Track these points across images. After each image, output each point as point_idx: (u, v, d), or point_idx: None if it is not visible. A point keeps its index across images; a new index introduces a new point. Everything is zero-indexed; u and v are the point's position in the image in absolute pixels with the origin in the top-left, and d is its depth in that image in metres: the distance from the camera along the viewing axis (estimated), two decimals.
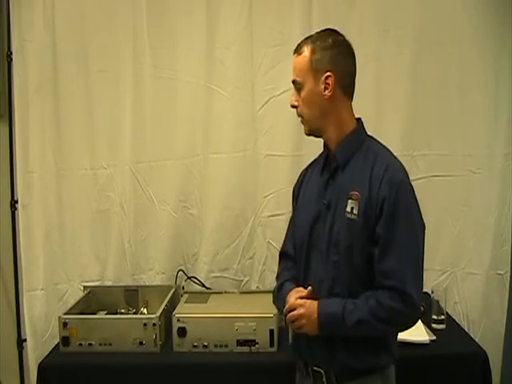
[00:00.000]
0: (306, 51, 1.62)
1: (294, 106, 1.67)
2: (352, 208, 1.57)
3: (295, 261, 1.76)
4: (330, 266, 1.61)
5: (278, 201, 2.61)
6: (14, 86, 2.56)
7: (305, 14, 2.52)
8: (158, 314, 2.12)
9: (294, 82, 1.65)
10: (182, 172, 2.63)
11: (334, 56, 1.60)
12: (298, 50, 1.65)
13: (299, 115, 1.68)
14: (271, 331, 2.08)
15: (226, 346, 2.09)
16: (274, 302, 1.82)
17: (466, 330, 2.38)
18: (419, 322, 2.21)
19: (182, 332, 2.10)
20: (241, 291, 2.48)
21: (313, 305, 1.60)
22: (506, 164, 2.54)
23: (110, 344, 2.11)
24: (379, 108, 2.55)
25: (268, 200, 2.62)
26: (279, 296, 1.74)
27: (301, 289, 1.67)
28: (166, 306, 2.21)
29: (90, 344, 2.11)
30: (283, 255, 1.83)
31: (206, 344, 2.10)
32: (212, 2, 2.54)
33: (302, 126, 2.50)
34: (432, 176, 2.59)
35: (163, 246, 2.65)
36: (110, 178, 2.64)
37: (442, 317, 2.25)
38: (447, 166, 2.58)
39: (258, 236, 2.64)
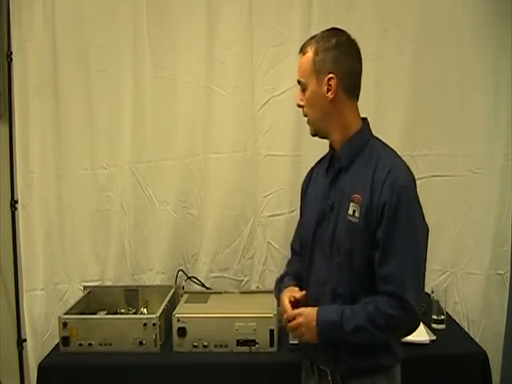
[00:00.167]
0: (310, 52, 1.60)
1: (299, 106, 1.65)
2: (354, 211, 1.56)
3: (301, 256, 1.77)
4: (333, 267, 1.61)
5: (278, 201, 2.61)
6: (14, 86, 2.56)
7: (305, 14, 2.52)
8: (158, 314, 2.12)
9: (298, 81, 1.64)
10: (182, 172, 2.63)
11: (336, 57, 1.57)
12: (302, 50, 1.63)
13: (304, 115, 1.66)
14: (271, 331, 2.07)
15: (226, 345, 2.09)
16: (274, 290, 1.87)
17: (466, 330, 2.38)
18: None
19: (182, 332, 2.10)
20: (241, 291, 2.48)
21: (311, 313, 1.60)
22: (506, 164, 2.54)
23: (110, 344, 2.11)
24: (379, 108, 2.55)
25: (268, 200, 2.62)
26: (278, 287, 1.80)
27: (295, 289, 1.70)
28: (165, 305, 2.21)
29: (90, 344, 2.11)
30: (292, 249, 1.88)
31: (205, 344, 2.10)
32: (212, 2, 2.54)
33: (302, 126, 2.51)
34: (432, 176, 2.59)
35: (163, 246, 2.65)
36: (110, 178, 2.64)
37: (442, 317, 2.25)
38: (447, 165, 2.59)
39: (258, 236, 2.64)
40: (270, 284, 2.61)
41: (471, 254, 2.59)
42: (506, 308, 2.56)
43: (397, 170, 1.55)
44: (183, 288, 2.52)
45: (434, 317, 2.24)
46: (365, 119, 1.66)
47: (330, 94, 1.57)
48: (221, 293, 2.41)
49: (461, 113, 2.56)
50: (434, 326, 2.23)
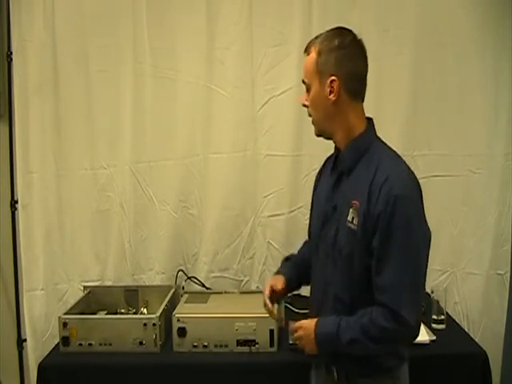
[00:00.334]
0: (313, 52, 1.57)
1: (304, 105, 1.64)
2: (353, 218, 1.54)
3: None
4: (336, 269, 1.60)
5: (278, 201, 2.61)
6: (14, 86, 2.56)
7: (305, 14, 2.52)
8: (158, 314, 2.11)
9: (303, 81, 1.62)
10: (182, 172, 2.63)
11: (339, 59, 1.53)
12: (306, 50, 1.60)
13: (309, 115, 1.64)
14: (271, 331, 2.07)
15: (226, 345, 2.09)
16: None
17: (466, 330, 2.38)
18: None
19: (182, 332, 2.10)
20: (241, 291, 2.47)
21: (310, 325, 1.60)
22: (506, 164, 2.54)
23: (110, 344, 2.10)
24: (379, 108, 2.54)
25: (268, 200, 2.62)
26: (280, 266, 1.92)
27: (281, 279, 1.80)
28: (166, 305, 2.21)
29: (90, 344, 2.11)
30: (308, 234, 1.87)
31: (205, 344, 2.10)
32: (212, 2, 2.54)
33: (302, 126, 2.53)
34: (432, 176, 2.59)
35: (163, 246, 2.65)
36: (110, 178, 2.64)
37: (442, 317, 2.25)
38: (447, 165, 2.59)
39: (258, 236, 2.64)
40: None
41: (471, 254, 2.59)
42: (505, 308, 2.56)
43: (394, 178, 1.49)
44: (183, 288, 2.52)
45: (434, 317, 2.24)
46: (370, 120, 1.63)
47: (332, 96, 1.54)
48: (221, 293, 2.41)
49: (461, 113, 2.56)
50: (433, 325, 2.23)
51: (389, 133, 2.57)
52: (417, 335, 1.56)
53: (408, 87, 2.56)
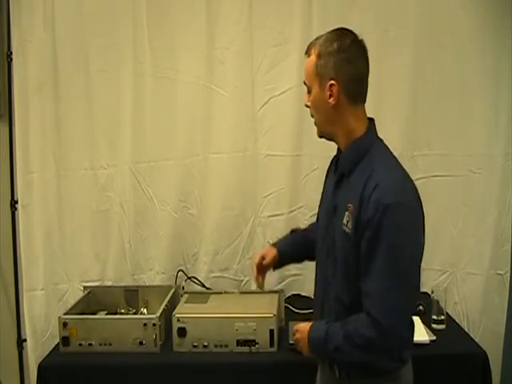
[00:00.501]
0: (313, 55, 1.56)
1: (307, 106, 1.63)
2: (347, 221, 1.53)
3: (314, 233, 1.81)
4: (336, 270, 1.59)
5: (278, 201, 2.61)
6: (14, 86, 2.56)
7: (305, 14, 2.52)
8: (158, 314, 2.11)
9: (304, 83, 1.62)
10: (182, 172, 2.63)
11: (338, 63, 1.52)
12: (307, 51, 1.60)
13: (311, 116, 1.64)
14: (271, 331, 2.07)
15: (226, 345, 2.09)
16: None
17: (466, 330, 2.38)
18: (419, 321, 2.22)
19: (182, 332, 2.10)
20: (241, 291, 2.47)
21: (305, 328, 1.61)
22: (506, 164, 2.54)
23: (110, 344, 2.10)
24: (379, 108, 2.54)
25: (268, 200, 2.62)
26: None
27: (273, 251, 1.90)
28: (166, 306, 2.21)
29: (90, 344, 2.11)
30: None
31: (205, 344, 2.10)
32: (212, 2, 2.54)
33: (302, 126, 2.53)
34: (432, 176, 2.59)
35: (163, 246, 2.65)
36: (110, 178, 2.64)
37: (442, 317, 2.25)
38: (447, 165, 2.58)
39: (258, 236, 2.64)
40: (270, 284, 2.62)
41: (471, 254, 2.59)
42: (506, 308, 2.56)
43: (384, 186, 1.46)
44: (183, 288, 2.51)
45: (434, 317, 2.24)
46: (371, 120, 1.62)
47: (331, 100, 1.53)
48: (221, 293, 2.41)
49: (461, 113, 2.56)
50: (433, 326, 2.23)
51: (389, 133, 2.57)
52: (405, 346, 1.54)
53: (408, 87, 2.55)
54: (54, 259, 2.64)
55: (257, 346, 2.08)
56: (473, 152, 2.57)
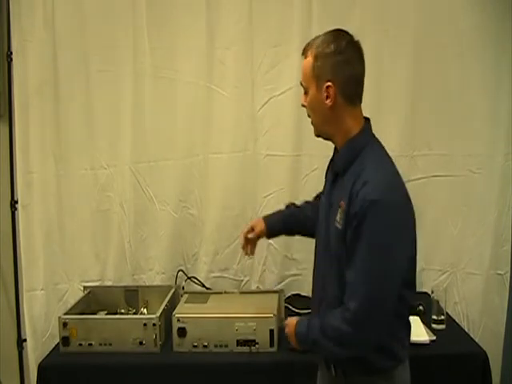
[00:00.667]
0: (310, 56, 1.57)
1: (304, 106, 1.64)
2: (340, 218, 1.54)
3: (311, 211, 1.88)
4: (332, 266, 1.60)
5: (278, 201, 2.60)
6: (14, 86, 2.56)
7: (305, 14, 2.52)
8: (158, 314, 2.11)
9: (301, 83, 1.63)
10: (181, 172, 2.63)
11: (335, 64, 1.53)
12: (304, 53, 1.60)
13: (308, 115, 1.65)
14: (271, 331, 2.07)
15: (226, 346, 2.09)
16: None
17: (466, 330, 2.38)
18: (419, 322, 2.22)
19: (182, 332, 2.10)
20: (241, 291, 2.47)
21: (292, 323, 1.66)
22: (506, 164, 2.54)
23: (110, 344, 2.11)
24: (379, 108, 2.55)
25: (268, 200, 2.62)
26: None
27: (261, 225, 1.96)
28: (166, 306, 2.21)
29: (90, 344, 2.11)
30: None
31: (205, 344, 2.10)
32: (212, 2, 2.54)
33: (302, 126, 2.53)
34: (432, 176, 2.59)
35: (163, 246, 2.65)
36: (110, 178, 2.64)
37: (442, 317, 2.25)
38: (447, 165, 2.59)
39: None
40: (270, 284, 2.62)
41: (471, 254, 2.59)
42: (506, 308, 2.56)
43: (372, 183, 1.48)
44: (183, 288, 2.51)
45: (434, 317, 2.24)
46: (367, 120, 1.63)
47: (328, 101, 1.55)
48: (221, 293, 2.41)
49: (461, 113, 2.56)
50: (433, 326, 2.23)
51: (389, 133, 2.60)
52: (368, 345, 1.52)
53: (408, 87, 2.55)
54: (54, 259, 2.64)
55: (257, 345, 2.08)
56: (473, 152, 2.57)
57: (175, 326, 2.10)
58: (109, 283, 2.64)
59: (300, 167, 2.60)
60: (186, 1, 2.56)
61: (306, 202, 2.00)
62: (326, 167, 1.77)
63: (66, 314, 2.18)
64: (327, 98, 1.54)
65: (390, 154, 2.62)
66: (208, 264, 2.64)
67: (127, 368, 2.05)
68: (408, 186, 2.61)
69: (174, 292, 2.37)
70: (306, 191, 2.59)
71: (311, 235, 1.83)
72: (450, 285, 2.58)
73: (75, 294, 2.57)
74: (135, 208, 2.64)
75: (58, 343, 2.15)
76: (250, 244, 2.01)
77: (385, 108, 2.55)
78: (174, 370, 2.06)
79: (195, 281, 2.60)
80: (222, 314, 2.13)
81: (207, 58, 2.57)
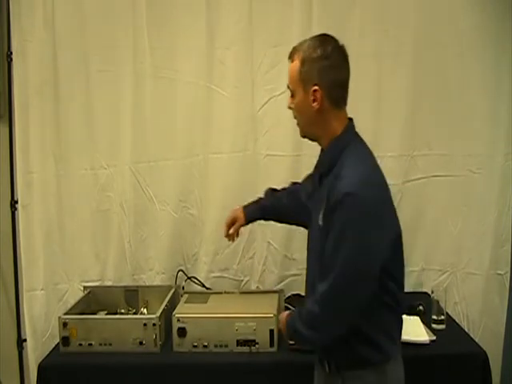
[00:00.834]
0: (297, 60, 1.62)
1: (290, 108, 1.69)
2: (321, 215, 1.59)
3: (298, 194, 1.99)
4: (318, 262, 1.63)
5: None
6: (14, 86, 2.56)
7: (305, 14, 2.52)
8: (158, 314, 2.11)
9: (288, 86, 1.67)
10: (181, 172, 2.63)
11: (321, 69, 1.58)
12: (290, 57, 1.65)
13: (294, 117, 1.70)
14: (271, 331, 2.07)
15: (226, 346, 2.09)
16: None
17: (466, 330, 2.38)
18: (419, 322, 2.22)
19: (182, 332, 2.10)
20: (241, 291, 2.47)
21: (283, 317, 1.73)
22: (506, 164, 2.54)
23: (110, 344, 2.11)
24: (379, 108, 2.55)
25: None
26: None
27: (240, 218, 2.11)
28: (166, 306, 2.21)
29: (90, 344, 2.11)
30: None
31: (205, 344, 2.10)
32: (212, 2, 2.54)
33: None
34: (432, 176, 2.60)
35: (163, 246, 2.65)
36: (110, 178, 2.64)
37: (442, 317, 2.24)
38: (447, 165, 2.59)
39: (258, 236, 2.64)
40: (270, 284, 2.62)
41: (471, 254, 2.59)
42: (506, 308, 2.56)
43: (349, 178, 1.52)
44: (183, 288, 2.51)
45: (434, 317, 2.24)
46: (350, 120, 1.67)
47: (315, 104, 1.59)
48: (221, 293, 2.41)
49: (461, 113, 2.56)
50: (433, 326, 2.23)
51: (389, 133, 2.60)
52: (337, 329, 1.56)
53: (408, 87, 2.55)
54: (54, 259, 2.64)
55: (257, 346, 2.08)
56: (473, 152, 2.57)
57: (175, 325, 2.10)
58: (109, 283, 2.64)
59: (300, 167, 2.60)
60: (185, 1, 2.56)
61: (283, 189, 2.12)
62: None
63: (65, 314, 2.18)
64: (314, 101, 1.59)
65: (390, 154, 2.63)
66: (208, 264, 2.64)
67: (127, 368, 2.05)
68: (408, 186, 2.66)
69: (174, 292, 2.37)
70: None
71: (287, 222, 2.17)
72: (449, 285, 2.58)
73: (75, 294, 2.57)
74: (135, 208, 2.64)
75: (58, 343, 2.15)
76: (233, 233, 2.15)
77: (385, 108, 2.56)
78: (174, 370, 2.05)
79: (195, 281, 2.60)
80: (222, 314, 2.13)
81: (207, 57, 2.57)
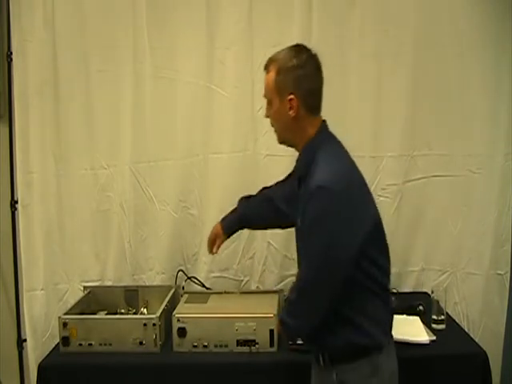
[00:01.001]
0: (272, 71, 1.68)
1: (267, 117, 1.76)
2: (300, 218, 1.65)
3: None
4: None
5: None
6: (14, 86, 2.56)
7: (305, 14, 2.52)
8: (158, 314, 2.11)
9: (264, 96, 1.73)
10: (181, 172, 2.63)
11: (297, 78, 1.65)
12: (266, 68, 1.72)
13: (272, 125, 1.76)
14: (271, 331, 2.07)
15: (226, 346, 2.09)
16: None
17: (466, 330, 2.38)
18: (419, 322, 2.22)
19: (182, 332, 2.10)
20: (241, 291, 2.47)
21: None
22: (506, 164, 2.54)
23: (110, 344, 2.11)
24: (379, 108, 2.55)
25: None
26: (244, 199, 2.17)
27: (215, 233, 2.14)
28: (166, 306, 2.21)
29: (90, 344, 2.11)
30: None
31: (205, 344, 2.10)
32: (212, 2, 2.54)
33: None
34: (432, 176, 2.60)
35: (163, 246, 2.65)
36: (110, 178, 2.64)
37: (442, 317, 2.24)
38: (447, 166, 2.59)
39: (258, 236, 2.64)
40: (270, 284, 2.62)
41: (471, 254, 2.59)
42: (506, 308, 2.56)
43: (321, 173, 1.58)
44: (183, 288, 2.51)
45: (434, 317, 2.24)
46: (323, 122, 1.72)
47: (291, 112, 1.66)
48: (221, 293, 2.41)
49: (461, 113, 2.56)
50: (433, 326, 2.23)
51: (389, 133, 2.60)
52: (312, 314, 1.63)
53: (408, 87, 2.55)
54: (54, 259, 2.64)
55: (257, 346, 2.08)
56: (473, 152, 2.57)
57: (175, 325, 2.10)
58: (109, 283, 2.64)
59: None
60: (186, 1, 2.56)
61: (256, 195, 2.16)
62: None
63: (65, 314, 2.18)
64: (290, 109, 1.66)
65: (390, 154, 2.63)
66: (208, 264, 2.64)
67: (127, 368, 2.05)
68: (408, 186, 2.67)
69: (174, 292, 2.37)
70: None
71: (266, 227, 2.28)
72: (450, 285, 2.58)
73: (75, 294, 2.57)
74: (135, 208, 2.64)
75: (58, 343, 2.15)
76: (216, 251, 2.18)
77: (385, 108, 2.56)
78: (174, 370, 2.05)
79: (195, 281, 2.60)
80: (222, 314, 2.13)
81: (207, 57, 2.57)
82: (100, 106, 2.60)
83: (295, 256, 2.61)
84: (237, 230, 2.19)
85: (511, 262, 2.56)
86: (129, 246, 2.65)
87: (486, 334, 2.53)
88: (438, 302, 2.25)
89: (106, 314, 2.35)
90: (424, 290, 2.59)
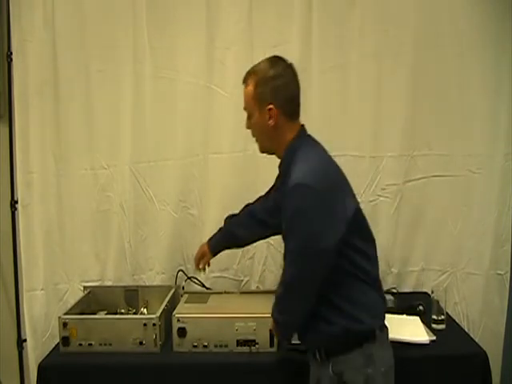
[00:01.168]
0: (251, 85, 1.77)
1: (248, 128, 1.83)
2: (282, 218, 1.69)
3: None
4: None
5: None
6: (14, 86, 2.56)
7: (305, 14, 2.52)
8: (158, 314, 2.11)
9: (244, 109, 1.82)
10: (181, 172, 2.63)
11: (274, 88, 1.73)
12: (244, 81, 1.81)
13: (253, 135, 1.83)
14: (271, 331, 2.07)
15: (226, 346, 2.09)
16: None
17: (466, 330, 2.38)
18: (419, 322, 2.22)
19: (182, 332, 2.10)
20: (241, 291, 2.47)
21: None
22: (506, 164, 2.54)
23: (110, 344, 2.11)
24: (379, 108, 2.55)
25: None
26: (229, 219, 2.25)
27: (202, 252, 2.25)
28: (166, 306, 2.21)
29: (90, 344, 2.11)
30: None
31: (205, 344, 2.10)
32: (212, 2, 2.54)
33: None
34: (432, 176, 2.60)
35: (163, 246, 2.65)
36: (110, 178, 2.64)
37: (442, 317, 2.24)
38: (447, 166, 2.59)
39: None
40: (270, 284, 2.62)
41: (471, 254, 2.59)
42: (506, 308, 2.56)
43: (298, 171, 1.64)
44: (183, 288, 2.51)
45: (434, 317, 2.24)
46: (302, 126, 1.78)
47: (271, 121, 1.74)
48: (221, 293, 2.41)
49: (461, 113, 2.56)
50: (433, 326, 2.23)
51: (389, 133, 2.60)
52: (298, 305, 1.70)
53: (408, 87, 2.55)
54: (54, 259, 2.64)
55: (257, 346, 2.08)
56: (473, 152, 2.57)
57: (175, 326, 2.10)
58: (109, 283, 2.64)
59: None
60: (186, 1, 2.56)
61: (239, 213, 2.24)
62: None
63: (66, 314, 2.18)
64: (270, 118, 1.74)
65: (390, 154, 2.63)
66: None
67: (127, 368, 2.05)
68: (408, 186, 2.67)
69: (174, 292, 2.37)
70: None
71: (252, 242, 2.32)
72: (449, 285, 2.58)
73: (75, 294, 2.57)
74: (135, 208, 2.64)
75: (58, 343, 2.15)
76: (202, 267, 2.28)
77: (385, 108, 2.56)
78: (174, 370, 2.05)
79: (195, 281, 2.60)
80: (222, 314, 2.13)
81: (207, 57, 2.57)
82: (100, 106, 2.60)
83: None
84: (223, 249, 2.27)
85: (511, 262, 2.56)
86: (129, 246, 2.65)
87: (485, 334, 2.53)
88: (438, 302, 2.25)
89: (106, 314, 2.35)
90: (424, 289, 2.59)
